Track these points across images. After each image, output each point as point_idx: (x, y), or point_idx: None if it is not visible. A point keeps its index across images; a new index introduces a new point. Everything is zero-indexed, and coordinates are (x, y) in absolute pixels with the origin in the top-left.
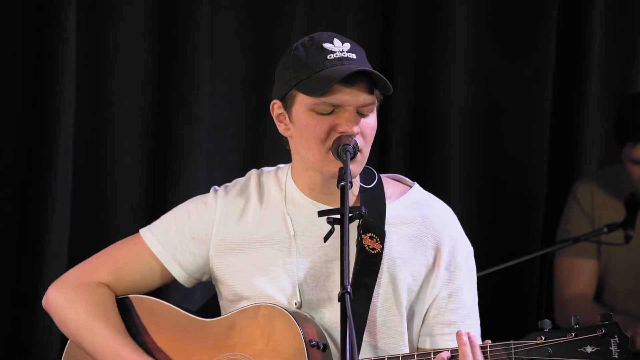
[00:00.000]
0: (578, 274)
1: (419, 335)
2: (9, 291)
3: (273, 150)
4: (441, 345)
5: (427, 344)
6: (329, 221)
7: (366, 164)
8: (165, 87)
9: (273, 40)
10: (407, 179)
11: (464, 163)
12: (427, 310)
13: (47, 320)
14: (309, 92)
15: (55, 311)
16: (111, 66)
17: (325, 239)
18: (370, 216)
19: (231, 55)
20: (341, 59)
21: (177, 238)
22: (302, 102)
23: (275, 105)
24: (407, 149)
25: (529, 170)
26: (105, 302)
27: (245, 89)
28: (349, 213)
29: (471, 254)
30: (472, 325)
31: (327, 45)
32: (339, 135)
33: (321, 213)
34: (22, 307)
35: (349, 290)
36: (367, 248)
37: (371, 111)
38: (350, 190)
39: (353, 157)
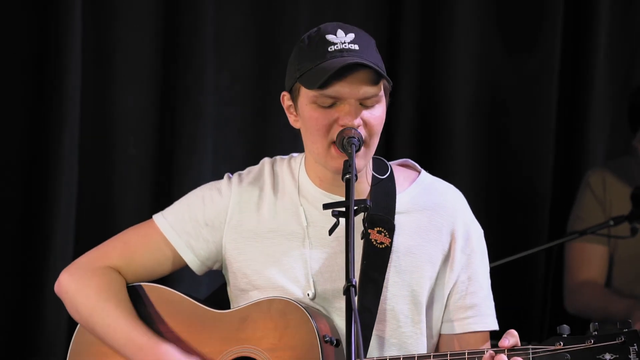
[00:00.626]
0: (589, 260)
1: (442, 322)
2: (16, 286)
3: (278, 145)
4: (465, 329)
5: (450, 330)
6: (334, 214)
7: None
8: (171, 82)
9: (278, 35)
10: (414, 163)
11: (469, 157)
12: (448, 296)
13: (53, 315)
14: (307, 85)
15: (67, 295)
16: (117, 61)
17: (330, 232)
18: (380, 210)
19: (236, 50)
20: (342, 50)
21: (190, 224)
22: (305, 94)
23: (285, 97)
24: (412, 143)
25: (534, 164)
26: (116, 287)
27: (250, 83)
28: (354, 206)
29: (482, 235)
30: (489, 306)
31: (329, 37)
32: (342, 128)
33: (326, 206)
34: (29, 303)
35: (354, 283)
36: (374, 242)
37: (377, 102)
38: (363, 181)
39: (357, 150)
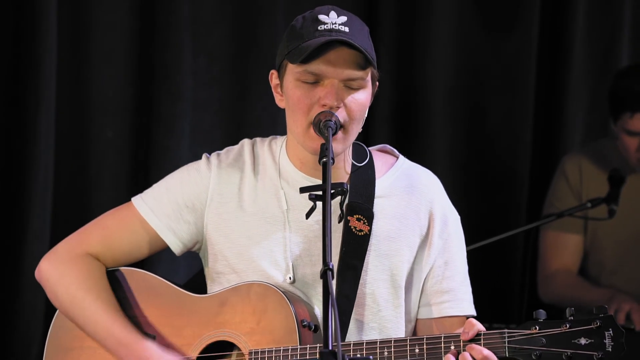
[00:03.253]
0: (563, 248)
1: (419, 307)
2: None
3: (256, 127)
4: (442, 313)
5: (427, 314)
6: (310, 198)
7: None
8: (148, 64)
9: (255, 17)
10: (393, 149)
11: (448, 139)
12: (424, 280)
13: (30, 298)
14: (292, 60)
15: (48, 284)
16: (92, 42)
17: (307, 215)
18: (359, 197)
19: (213, 31)
20: (331, 30)
21: (170, 207)
22: (290, 71)
23: (273, 76)
24: (390, 125)
25: (513, 145)
26: (96, 276)
27: (227, 65)
28: (331, 189)
29: (459, 221)
30: (466, 291)
31: (321, 17)
32: (322, 109)
33: (303, 189)
34: (5, 286)
35: (330, 267)
36: (354, 230)
37: (361, 87)
38: (341, 167)
39: (334, 133)
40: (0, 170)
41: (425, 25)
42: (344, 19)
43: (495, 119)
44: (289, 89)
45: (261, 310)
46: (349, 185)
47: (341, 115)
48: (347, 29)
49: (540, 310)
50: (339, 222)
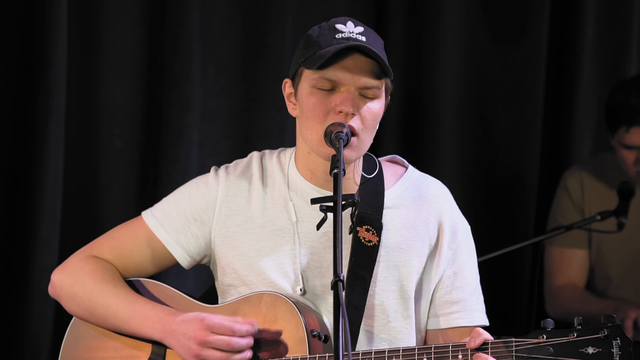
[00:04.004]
0: (568, 264)
1: (428, 317)
2: (1, 279)
3: (264, 137)
4: (451, 324)
5: (436, 325)
6: (321, 209)
7: None
8: (157, 74)
9: (264, 27)
10: (402, 159)
11: (455, 149)
12: (434, 291)
13: (39, 307)
14: (309, 65)
15: (63, 291)
16: (102, 52)
17: (318, 226)
18: (368, 208)
19: (222, 41)
20: (348, 38)
21: (178, 220)
22: (306, 78)
23: (287, 84)
24: (399, 134)
25: (521, 157)
26: (110, 271)
27: (236, 75)
28: (342, 201)
29: (469, 231)
30: (476, 301)
31: (339, 26)
32: (336, 117)
33: (314, 201)
34: (14, 295)
35: (341, 278)
36: (363, 240)
37: (376, 96)
38: (351, 179)
39: (346, 144)
40: (9, 179)
41: (433, 36)
42: (360, 29)
43: (504, 130)
44: (304, 96)
45: (271, 320)
46: (359, 197)
47: (355, 123)
48: (364, 39)
49: (548, 319)
50: (350, 233)
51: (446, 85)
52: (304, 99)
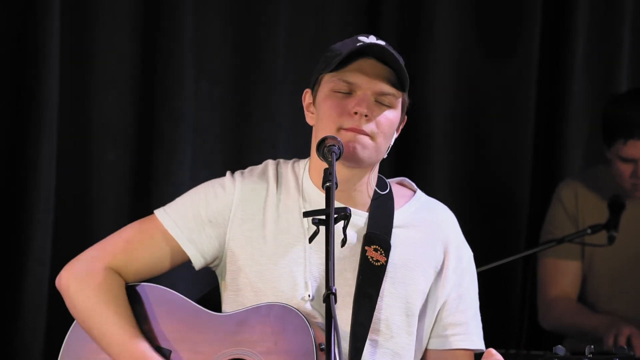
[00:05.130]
0: (562, 275)
1: (430, 337)
2: None
3: (257, 151)
4: (452, 345)
5: (437, 345)
6: (313, 222)
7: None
8: (149, 86)
9: (257, 41)
10: (411, 182)
11: (447, 164)
12: (438, 312)
13: (31, 319)
14: (327, 68)
15: (67, 294)
16: (95, 65)
17: (310, 239)
18: (377, 228)
19: (215, 55)
20: (370, 44)
21: (193, 221)
22: (325, 83)
23: (307, 94)
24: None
25: (512, 171)
26: (114, 291)
27: (229, 89)
28: (335, 214)
29: (472, 258)
30: (476, 325)
31: (361, 37)
32: (350, 119)
33: (306, 214)
34: (7, 307)
35: (333, 291)
36: (370, 260)
37: (392, 105)
38: (365, 192)
39: (338, 158)
40: (1, 192)
41: (425, 51)
42: (383, 42)
43: (495, 145)
44: (322, 100)
45: (280, 331)
46: (368, 214)
47: (369, 127)
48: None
49: (559, 346)
50: (342, 246)
51: (438, 101)
52: (321, 103)
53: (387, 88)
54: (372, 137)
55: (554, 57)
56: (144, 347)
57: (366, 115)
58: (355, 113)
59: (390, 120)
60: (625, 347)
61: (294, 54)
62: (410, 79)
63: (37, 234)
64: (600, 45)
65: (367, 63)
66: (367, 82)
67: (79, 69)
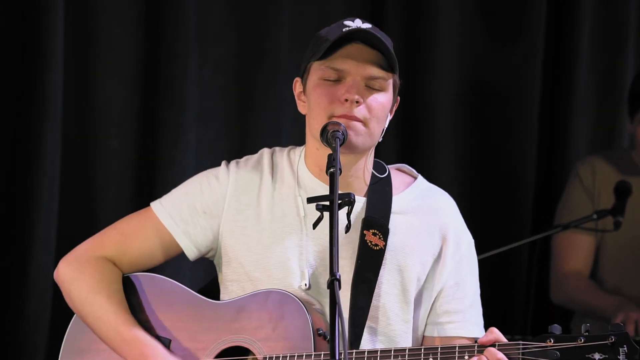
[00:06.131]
0: (576, 251)
1: (426, 324)
2: None
3: (261, 138)
4: (448, 333)
5: (433, 332)
6: (317, 208)
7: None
8: (153, 75)
9: (260, 28)
10: (411, 168)
11: (451, 151)
12: (434, 299)
13: (36, 307)
14: (315, 56)
15: (63, 284)
16: (98, 53)
17: (314, 225)
18: (376, 212)
19: (219, 42)
20: (356, 29)
21: (188, 212)
22: (314, 71)
23: (297, 83)
24: (395, 137)
25: (518, 157)
26: (109, 279)
27: (232, 76)
28: (339, 200)
29: (472, 245)
30: (474, 314)
31: (347, 22)
32: (341, 106)
33: (310, 200)
34: (11, 295)
35: (337, 277)
36: (369, 244)
37: (382, 88)
38: (361, 178)
39: (342, 144)
40: (6, 180)
41: (429, 38)
42: (368, 25)
43: (500, 132)
44: (311, 88)
45: (278, 317)
46: (366, 198)
47: (361, 112)
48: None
49: (555, 324)
50: (346, 232)
51: (442, 87)
52: (311, 92)
53: (376, 72)
54: (364, 122)
55: (559, 43)
56: (137, 331)
57: (357, 102)
58: (346, 100)
59: (382, 104)
60: (622, 324)
61: (297, 43)
62: (414, 66)
63: (41, 222)
64: (606, 31)
65: (355, 48)
66: (355, 67)
67: (83, 58)
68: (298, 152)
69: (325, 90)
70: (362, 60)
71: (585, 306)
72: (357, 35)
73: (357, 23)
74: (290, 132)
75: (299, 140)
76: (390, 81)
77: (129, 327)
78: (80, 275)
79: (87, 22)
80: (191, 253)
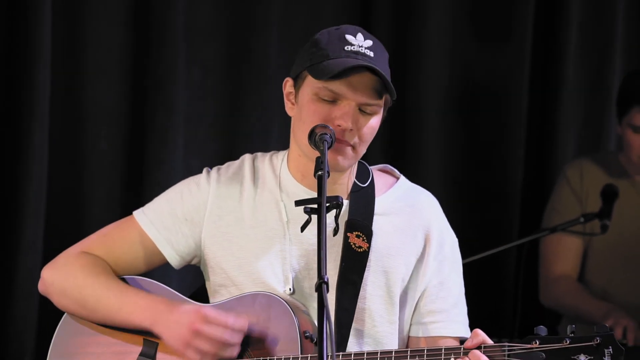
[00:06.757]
0: (565, 253)
1: (410, 324)
2: None
3: (249, 140)
4: (432, 333)
5: (418, 332)
6: (305, 211)
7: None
8: (142, 75)
9: (249, 30)
10: (393, 169)
11: (440, 153)
12: (418, 299)
13: (23, 309)
14: (316, 75)
15: (53, 287)
16: (87, 54)
17: (302, 228)
18: (359, 215)
19: (207, 44)
20: (357, 52)
21: (170, 220)
22: (309, 84)
23: (288, 83)
24: (383, 139)
25: (505, 158)
26: (101, 265)
27: (221, 77)
28: (327, 203)
29: (456, 244)
30: (459, 313)
31: (349, 37)
32: (315, 125)
33: (298, 203)
34: None
35: (325, 280)
36: (353, 246)
37: (375, 113)
38: (345, 185)
39: (330, 147)
40: None
41: (418, 40)
42: (369, 43)
43: (488, 134)
44: (305, 100)
45: (264, 320)
46: (349, 201)
47: (352, 138)
48: (372, 54)
49: (541, 326)
50: (334, 235)
51: (430, 89)
52: (305, 103)
53: (372, 100)
54: (354, 147)
55: (547, 43)
56: (143, 294)
57: (351, 129)
58: (339, 126)
59: (372, 128)
60: (609, 328)
61: (287, 43)
62: (402, 68)
63: (29, 222)
64: (593, 33)
65: (355, 75)
66: (352, 94)
67: (71, 58)
68: (280, 157)
69: (319, 109)
70: (360, 88)
71: (574, 310)
72: (359, 66)
73: (359, 39)
74: (279, 133)
75: (286, 142)
76: (383, 101)
77: (133, 293)
78: (72, 269)
79: (75, 22)
80: (174, 261)
